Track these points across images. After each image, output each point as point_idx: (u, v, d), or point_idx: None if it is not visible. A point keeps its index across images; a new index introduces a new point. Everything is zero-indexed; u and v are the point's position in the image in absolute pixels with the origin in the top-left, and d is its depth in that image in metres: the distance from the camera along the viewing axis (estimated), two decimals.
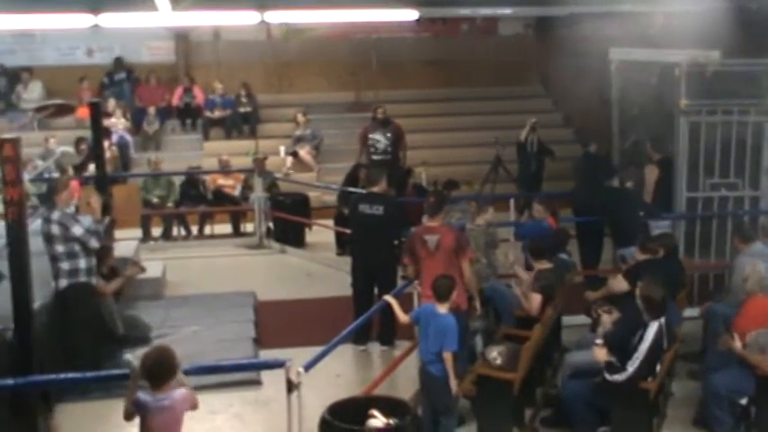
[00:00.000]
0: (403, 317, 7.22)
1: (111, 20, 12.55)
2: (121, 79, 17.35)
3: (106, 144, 13.20)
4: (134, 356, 5.49)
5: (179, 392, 5.20)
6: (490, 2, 14.37)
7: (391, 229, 9.27)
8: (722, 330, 7.71)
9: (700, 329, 8.63)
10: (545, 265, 8.32)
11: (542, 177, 14.01)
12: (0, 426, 6.73)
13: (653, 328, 6.80)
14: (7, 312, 6.76)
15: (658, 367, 6.88)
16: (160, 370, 5.16)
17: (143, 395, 5.14)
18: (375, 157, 13.73)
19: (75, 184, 12.33)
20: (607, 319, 7.32)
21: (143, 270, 9.52)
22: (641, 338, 6.77)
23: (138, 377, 5.26)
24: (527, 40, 18.79)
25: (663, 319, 6.87)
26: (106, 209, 10.04)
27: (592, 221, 10.82)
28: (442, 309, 6.80)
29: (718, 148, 10.24)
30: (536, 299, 8.03)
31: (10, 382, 6.48)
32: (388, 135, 13.81)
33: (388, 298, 7.48)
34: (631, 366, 6.68)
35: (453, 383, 6.71)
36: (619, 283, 8.13)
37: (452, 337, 6.70)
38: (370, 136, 13.89)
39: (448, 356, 6.66)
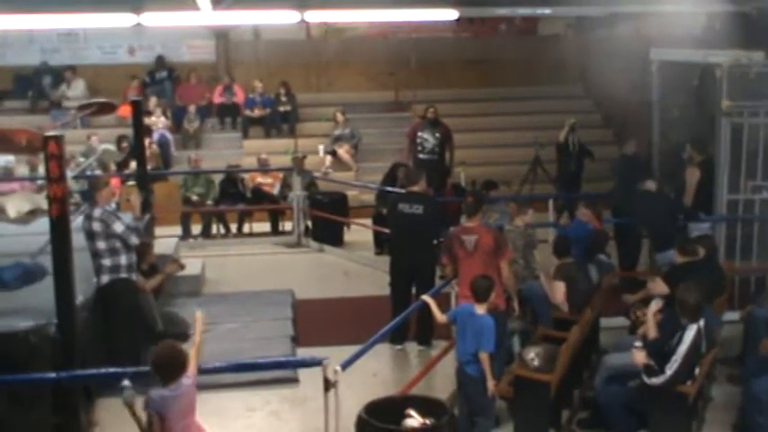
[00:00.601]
0: (440, 316, 7.23)
1: (152, 19, 12.67)
2: (162, 78, 17.54)
3: (147, 142, 13.33)
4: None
5: (189, 375, 5.31)
6: (530, 2, 14.32)
7: (431, 228, 9.25)
8: (763, 335, 7.62)
9: (740, 333, 8.53)
10: (568, 260, 8.35)
11: (582, 178, 13.94)
12: (42, 419, 6.83)
13: (691, 331, 6.74)
14: (50, 307, 6.87)
15: (697, 371, 6.82)
16: (174, 366, 5.29)
17: (157, 393, 5.22)
18: (422, 156, 13.68)
19: (116, 181, 12.48)
20: (651, 321, 7.22)
21: (182, 267, 9.59)
22: (679, 341, 6.72)
23: (134, 403, 5.31)
24: (567, 40, 18.69)
25: (702, 322, 6.80)
26: (146, 206, 10.17)
27: (628, 223, 10.75)
28: (480, 309, 6.80)
29: (761, 150, 10.12)
30: (559, 287, 8.06)
31: (52, 376, 6.60)
32: (437, 135, 13.77)
33: (426, 297, 7.48)
34: (669, 369, 6.62)
35: (490, 384, 6.70)
36: (658, 286, 8.06)
37: (489, 338, 6.69)
38: (419, 134, 13.84)
39: (484, 357, 6.66)
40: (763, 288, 9.62)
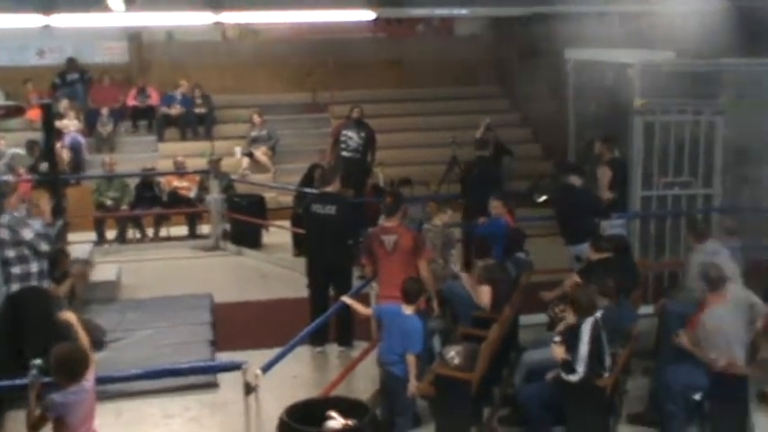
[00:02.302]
0: (363, 309, 7.26)
1: (62, 20, 12.35)
2: (74, 80, 17.10)
3: (58, 145, 13.00)
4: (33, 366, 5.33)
5: (88, 379, 5.20)
6: (447, 2, 14.38)
7: (344, 228, 9.20)
8: (676, 328, 7.77)
9: (654, 327, 8.70)
10: (489, 261, 8.40)
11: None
12: None
13: (587, 325, 6.80)
14: None
15: (608, 361, 6.90)
16: (76, 367, 5.15)
17: (60, 396, 5.07)
18: (344, 154, 13.59)
19: (26, 186, 12.15)
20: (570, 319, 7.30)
21: (90, 265, 9.33)
22: (578, 339, 6.78)
23: (37, 387, 5.17)
24: (484, 41, 18.86)
25: (598, 314, 6.87)
26: (59, 212, 9.92)
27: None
28: (408, 310, 6.81)
29: (673, 148, 10.34)
30: (485, 290, 8.11)
31: None
32: (362, 135, 13.72)
33: (346, 299, 7.47)
34: (580, 367, 6.68)
35: (412, 384, 6.72)
36: (574, 283, 8.16)
37: (417, 340, 6.73)
38: (344, 132, 13.75)
39: (411, 359, 6.69)
40: (676, 283, 9.83)
